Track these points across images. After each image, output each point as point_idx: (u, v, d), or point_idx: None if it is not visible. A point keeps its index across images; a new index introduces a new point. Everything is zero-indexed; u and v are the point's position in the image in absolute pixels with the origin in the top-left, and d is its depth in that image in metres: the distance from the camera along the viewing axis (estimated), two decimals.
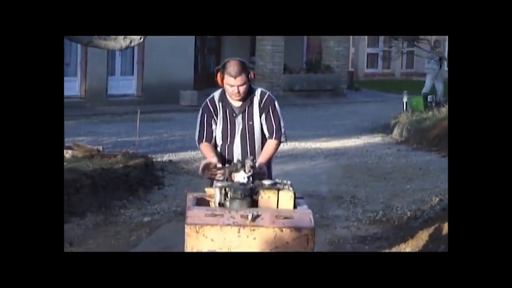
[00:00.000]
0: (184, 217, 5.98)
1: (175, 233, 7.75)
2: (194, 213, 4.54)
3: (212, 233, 4.36)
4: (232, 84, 5.51)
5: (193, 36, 23.75)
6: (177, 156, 13.87)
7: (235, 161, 5.41)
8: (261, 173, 5.18)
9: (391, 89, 28.07)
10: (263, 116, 5.71)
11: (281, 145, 5.89)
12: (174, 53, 22.95)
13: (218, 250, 4.40)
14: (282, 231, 4.38)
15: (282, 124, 5.76)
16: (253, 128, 5.73)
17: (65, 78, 21.82)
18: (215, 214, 4.53)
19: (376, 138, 17.98)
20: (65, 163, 11.43)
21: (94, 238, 8.66)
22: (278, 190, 4.75)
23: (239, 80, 5.50)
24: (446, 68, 24.10)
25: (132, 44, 14.35)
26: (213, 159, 5.42)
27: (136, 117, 14.10)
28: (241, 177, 5.04)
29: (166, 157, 13.70)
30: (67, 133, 13.68)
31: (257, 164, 5.32)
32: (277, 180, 4.90)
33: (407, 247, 8.17)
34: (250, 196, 4.76)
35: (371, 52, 33.87)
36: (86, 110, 20.51)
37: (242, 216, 4.44)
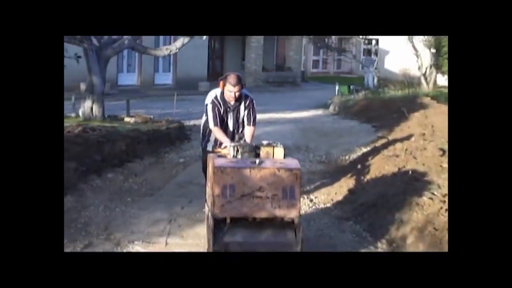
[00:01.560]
0: (202, 160, 6.03)
1: (198, 169, 7.73)
2: (219, 161, 4.47)
3: (232, 173, 4.26)
4: (231, 90, 5.36)
5: (207, 47, 23.40)
6: (198, 122, 13.50)
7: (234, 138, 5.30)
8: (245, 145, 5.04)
9: (327, 81, 27.84)
10: (246, 111, 5.60)
11: (261, 115, 5.88)
12: (195, 58, 22.72)
13: (236, 184, 4.27)
14: (279, 171, 4.30)
15: (256, 116, 5.70)
16: (239, 119, 5.63)
17: (127, 74, 21.96)
18: (233, 161, 4.48)
19: (319, 111, 17.87)
20: (130, 126, 11.42)
21: (149, 172, 8.58)
22: (273, 147, 4.69)
23: (237, 88, 5.37)
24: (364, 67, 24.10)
25: (171, 53, 14.21)
26: (228, 143, 5.18)
27: (172, 98, 14.24)
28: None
29: (191, 122, 13.44)
30: (131, 107, 13.74)
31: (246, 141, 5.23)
32: (270, 141, 4.82)
33: (340, 177, 8.13)
34: (254, 151, 4.67)
35: (315, 58, 33.66)
36: (141, 94, 20.20)
37: (251, 162, 4.39)
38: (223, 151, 4.92)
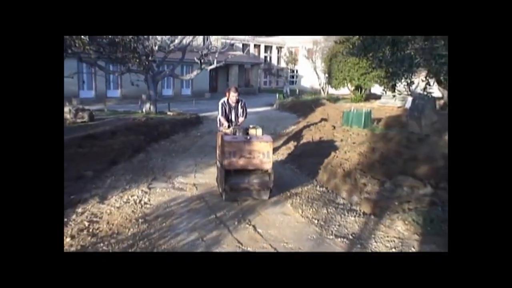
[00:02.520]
0: (214, 133, 5.77)
1: (209, 139, 7.64)
2: (228, 137, 4.24)
3: (234, 144, 4.07)
4: (233, 95, 5.07)
5: (208, 74, 22.39)
6: (206, 114, 13.18)
7: (232, 124, 5.00)
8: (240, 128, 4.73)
9: (272, 92, 27.25)
10: (242, 109, 5.23)
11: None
12: (203, 80, 21.85)
13: (236, 151, 3.99)
14: (260, 142, 4.13)
15: (247, 112, 5.35)
16: (238, 113, 5.25)
17: (167, 89, 20.98)
18: (235, 137, 4.24)
19: (268, 108, 17.42)
20: (170, 117, 11.05)
21: (182, 140, 8.31)
22: (256, 128, 4.48)
23: (236, 93, 5.08)
24: (286, 84, 23.86)
25: (190, 78, 13.80)
26: (227, 126, 4.91)
27: (192, 102, 13.99)
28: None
29: (202, 114, 13.06)
30: (171, 107, 13.29)
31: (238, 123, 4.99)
32: (254, 125, 4.60)
33: (283, 142, 7.84)
34: (245, 131, 4.46)
35: (265, 80, 32.86)
36: (174, 100, 19.32)
37: (244, 138, 4.20)
38: (227, 131, 4.75)
